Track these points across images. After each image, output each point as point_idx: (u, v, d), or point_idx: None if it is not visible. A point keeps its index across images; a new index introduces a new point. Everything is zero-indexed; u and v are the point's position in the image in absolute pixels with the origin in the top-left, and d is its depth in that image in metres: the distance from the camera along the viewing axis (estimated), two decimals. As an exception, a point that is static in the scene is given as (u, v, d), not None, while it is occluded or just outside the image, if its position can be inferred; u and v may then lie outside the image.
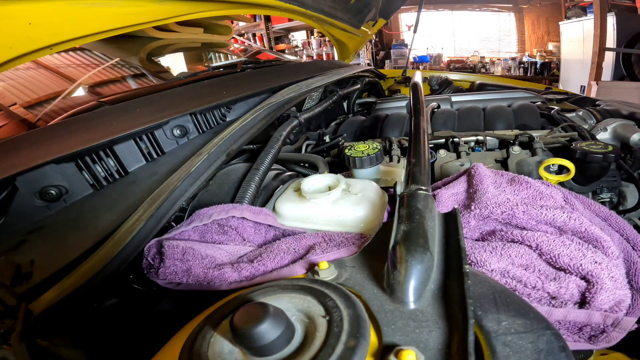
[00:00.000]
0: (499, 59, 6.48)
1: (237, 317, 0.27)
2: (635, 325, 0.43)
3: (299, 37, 6.64)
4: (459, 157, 0.98)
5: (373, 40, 6.61)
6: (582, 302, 0.44)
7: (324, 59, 5.69)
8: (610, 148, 0.77)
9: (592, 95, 4.01)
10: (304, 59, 5.61)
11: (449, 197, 0.62)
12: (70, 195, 0.67)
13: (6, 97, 1.05)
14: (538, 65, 6.09)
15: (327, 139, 1.21)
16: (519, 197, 0.59)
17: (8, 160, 0.64)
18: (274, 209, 0.68)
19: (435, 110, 1.29)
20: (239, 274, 0.51)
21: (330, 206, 0.64)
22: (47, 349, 0.46)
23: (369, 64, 5.56)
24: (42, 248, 0.58)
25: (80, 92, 1.18)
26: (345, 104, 1.73)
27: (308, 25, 4.30)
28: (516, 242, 0.51)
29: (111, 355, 0.53)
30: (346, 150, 0.84)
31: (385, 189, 0.74)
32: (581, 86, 4.80)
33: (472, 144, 1.05)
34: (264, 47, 5.40)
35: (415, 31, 2.16)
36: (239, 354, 0.29)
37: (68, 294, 0.50)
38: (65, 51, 1.25)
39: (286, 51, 6.26)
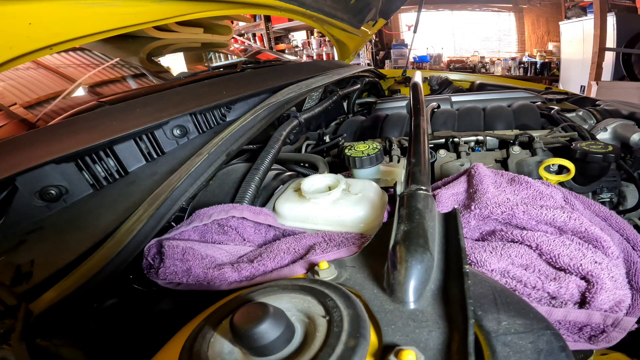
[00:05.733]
0: (499, 59, 6.48)
1: (237, 317, 0.27)
2: (635, 325, 0.43)
3: (299, 37, 6.64)
4: (459, 157, 0.97)
5: (373, 40, 6.60)
6: (582, 302, 0.44)
7: (324, 59, 5.69)
8: (610, 148, 0.77)
9: (592, 95, 4.01)
10: (304, 59, 5.61)
11: (449, 197, 0.62)
12: (70, 195, 0.67)
13: (6, 97, 1.05)
14: (538, 65, 6.09)
15: (327, 139, 1.21)
16: (519, 197, 0.59)
17: (8, 160, 0.64)
18: (274, 209, 0.68)
19: (435, 110, 1.29)
20: (239, 274, 0.51)
21: (330, 206, 0.64)
22: (47, 349, 0.46)
23: (369, 64, 5.56)
24: (42, 248, 0.58)
25: (80, 92, 1.17)
26: (345, 104, 1.73)
27: (308, 25, 4.30)
28: (516, 242, 0.51)
29: (111, 355, 0.53)
30: (346, 150, 0.84)
31: (385, 189, 0.74)
32: (581, 86, 4.80)
33: (472, 144, 1.05)
34: (264, 47, 5.40)
35: (415, 31, 2.16)
36: (239, 354, 0.29)
37: (68, 294, 0.50)
38: (65, 51, 1.25)
39: (286, 51, 6.26)
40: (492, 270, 0.47)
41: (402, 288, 0.35)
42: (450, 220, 0.45)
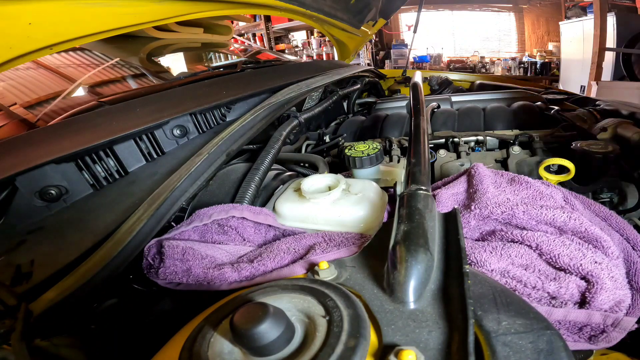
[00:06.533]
0: (499, 59, 6.47)
1: (237, 317, 0.27)
2: (635, 325, 0.43)
3: (299, 37, 6.64)
4: (459, 157, 0.98)
5: (373, 40, 6.60)
6: (582, 302, 0.44)
7: (324, 59, 5.69)
8: (610, 148, 0.77)
9: (592, 95, 4.01)
10: (304, 59, 5.61)
11: (449, 197, 0.62)
12: (70, 195, 0.67)
13: (6, 97, 1.05)
14: (538, 65, 6.09)
15: (327, 139, 1.21)
16: (519, 197, 0.59)
17: (8, 160, 0.64)
18: (274, 209, 0.68)
19: (435, 110, 1.29)
20: (239, 274, 0.51)
21: (330, 206, 0.64)
22: (47, 349, 0.46)
23: (369, 64, 5.56)
24: (42, 248, 0.58)
25: (80, 92, 1.17)
26: (345, 104, 1.73)
27: (308, 25, 4.30)
28: (516, 242, 0.51)
29: (111, 355, 0.53)
30: (346, 150, 0.84)
31: (385, 189, 0.74)
32: (581, 86, 4.80)
33: (472, 144, 1.05)
34: (264, 47, 5.40)
35: (415, 31, 2.16)
36: (239, 354, 0.29)
37: (68, 294, 0.50)
38: (65, 51, 1.25)
39: (286, 51, 6.26)
40: (492, 270, 0.47)
41: (402, 288, 0.35)
42: (450, 220, 0.45)
